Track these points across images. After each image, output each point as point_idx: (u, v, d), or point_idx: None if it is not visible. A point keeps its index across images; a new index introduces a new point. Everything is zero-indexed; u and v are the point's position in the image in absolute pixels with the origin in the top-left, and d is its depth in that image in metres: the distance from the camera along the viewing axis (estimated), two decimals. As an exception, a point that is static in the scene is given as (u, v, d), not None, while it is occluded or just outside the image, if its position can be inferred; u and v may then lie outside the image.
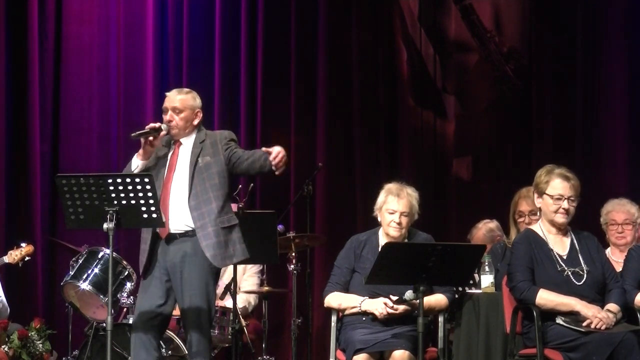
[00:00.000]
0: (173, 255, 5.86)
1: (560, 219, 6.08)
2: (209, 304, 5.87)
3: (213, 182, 5.90)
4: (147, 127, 5.93)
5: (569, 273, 6.02)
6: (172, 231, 5.89)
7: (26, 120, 9.10)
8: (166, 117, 5.98)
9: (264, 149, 5.82)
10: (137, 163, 5.94)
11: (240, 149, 5.98)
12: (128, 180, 5.53)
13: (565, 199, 6.05)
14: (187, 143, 6.00)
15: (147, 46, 9.34)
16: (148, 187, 5.53)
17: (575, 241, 6.14)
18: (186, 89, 6.13)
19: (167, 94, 6.08)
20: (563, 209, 6.06)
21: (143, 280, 5.98)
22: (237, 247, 5.93)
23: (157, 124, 5.94)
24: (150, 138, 5.91)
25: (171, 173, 5.93)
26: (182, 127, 5.97)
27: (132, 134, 5.91)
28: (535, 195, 6.17)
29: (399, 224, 6.26)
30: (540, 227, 6.15)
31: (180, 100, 6.00)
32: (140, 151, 5.93)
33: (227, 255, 5.89)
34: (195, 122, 6.01)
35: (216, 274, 5.99)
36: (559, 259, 6.05)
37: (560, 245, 6.12)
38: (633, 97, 8.95)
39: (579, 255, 6.08)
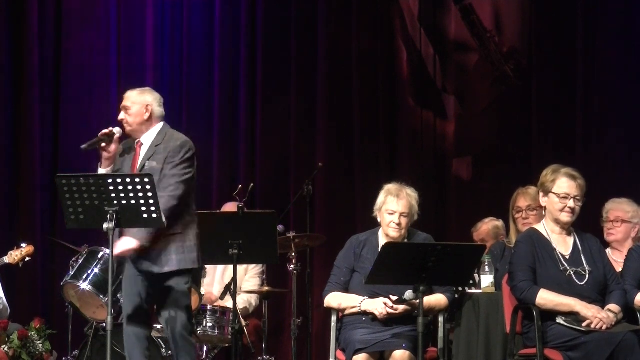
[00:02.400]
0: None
1: (566, 218, 6.08)
2: (174, 303, 5.93)
3: None
4: (99, 134, 5.95)
5: (571, 273, 6.03)
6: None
7: (26, 120, 9.10)
8: (119, 117, 6.04)
9: None
10: (102, 171, 5.95)
11: (170, 170, 5.88)
12: (128, 180, 5.53)
13: (571, 198, 6.06)
14: (146, 142, 6.02)
15: (147, 46, 9.34)
16: (148, 187, 5.53)
17: (578, 241, 6.14)
18: (140, 87, 6.14)
19: None
20: (569, 207, 6.06)
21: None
22: (171, 257, 5.90)
23: (109, 129, 5.97)
24: (103, 144, 5.95)
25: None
26: (134, 124, 6.00)
27: (82, 146, 5.94)
28: (541, 194, 6.17)
29: (399, 224, 6.26)
30: (544, 227, 6.15)
31: (127, 97, 6.05)
32: (102, 159, 5.98)
33: (157, 264, 5.90)
34: (146, 116, 6.01)
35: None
36: (561, 259, 6.06)
37: (563, 245, 6.12)
38: (633, 97, 8.95)
39: (582, 255, 6.08)
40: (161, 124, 6.07)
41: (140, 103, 6.02)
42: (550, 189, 6.09)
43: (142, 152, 6.00)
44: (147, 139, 6.02)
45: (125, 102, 6.05)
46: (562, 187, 6.07)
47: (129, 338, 5.99)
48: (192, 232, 5.97)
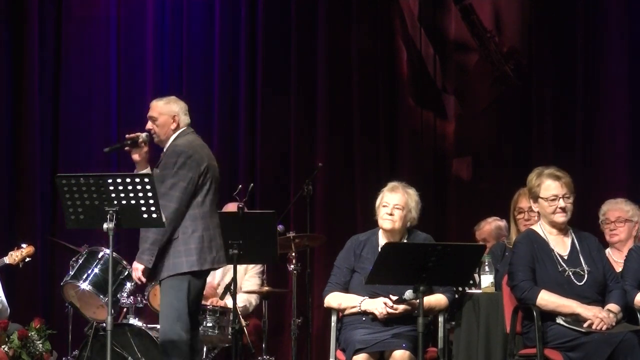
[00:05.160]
0: None
1: (560, 218, 6.08)
2: (164, 309, 5.97)
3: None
4: (126, 137, 6.06)
5: (570, 273, 6.02)
6: None
7: (26, 120, 9.10)
8: (147, 126, 6.12)
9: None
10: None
11: (165, 179, 5.93)
12: (128, 180, 5.53)
13: (560, 197, 6.06)
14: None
15: (147, 46, 9.34)
16: (148, 187, 5.54)
17: (576, 241, 6.14)
18: (166, 97, 6.22)
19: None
20: (560, 208, 6.06)
21: None
22: (166, 262, 5.95)
23: (134, 134, 6.05)
24: (127, 148, 6.03)
25: None
26: (162, 134, 6.12)
27: (105, 149, 6.03)
28: (531, 201, 6.18)
29: (391, 214, 6.26)
30: (541, 228, 6.15)
31: (154, 108, 6.15)
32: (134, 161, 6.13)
33: (154, 272, 5.96)
34: (173, 126, 6.07)
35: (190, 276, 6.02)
36: (560, 259, 6.05)
37: (561, 245, 6.12)
38: (633, 96, 8.95)
39: (580, 255, 6.08)
40: (178, 131, 6.12)
41: (167, 113, 6.08)
42: (537, 193, 6.10)
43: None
44: (166, 147, 6.13)
45: (152, 113, 6.11)
46: (549, 189, 6.07)
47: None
48: (194, 236, 5.98)
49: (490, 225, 7.71)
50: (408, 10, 9.51)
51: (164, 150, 6.10)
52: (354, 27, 9.41)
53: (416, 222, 6.39)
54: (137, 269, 5.95)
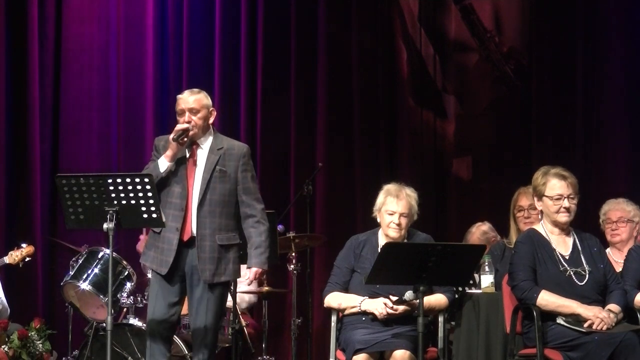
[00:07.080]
0: (192, 258, 5.89)
1: (563, 218, 6.08)
2: (217, 311, 5.91)
3: (223, 197, 5.90)
4: (177, 128, 5.89)
5: (571, 273, 6.03)
6: (193, 235, 5.89)
7: (26, 120, 9.10)
8: (184, 119, 5.93)
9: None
10: (166, 165, 5.87)
11: (251, 182, 5.98)
12: (128, 180, 5.53)
13: (564, 197, 6.06)
14: (205, 146, 5.97)
15: (147, 46, 9.34)
16: (148, 187, 5.53)
17: (577, 241, 6.14)
18: (197, 89, 6.09)
19: (180, 96, 6.03)
20: (564, 208, 6.07)
21: (161, 281, 5.95)
22: (229, 266, 5.92)
23: (185, 125, 5.92)
24: (185, 139, 5.90)
25: (192, 176, 5.91)
26: (200, 127, 5.95)
27: (172, 136, 5.87)
28: (535, 199, 6.18)
29: (399, 224, 6.26)
30: (543, 227, 6.16)
31: (196, 101, 5.97)
32: (170, 153, 5.88)
33: (217, 273, 5.88)
34: (211, 120, 6.01)
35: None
36: (561, 259, 6.06)
37: (563, 245, 6.12)
38: (633, 96, 8.95)
39: (581, 255, 6.08)
40: (212, 127, 6.06)
41: (206, 107, 5.99)
42: (542, 192, 6.10)
43: (202, 155, 5.95)
44: (206, 142, 5.98)
45: (194, 105, 5.94)
46: (554, 189, 6.08)
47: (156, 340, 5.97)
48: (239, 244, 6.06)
49: (474, 235, 7.64)
50: (408, 10, 9.51)
51: (213, 146, 5.96)
52: (354, 27, 9.42)
53: (416, 217, 6.37)
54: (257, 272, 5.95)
